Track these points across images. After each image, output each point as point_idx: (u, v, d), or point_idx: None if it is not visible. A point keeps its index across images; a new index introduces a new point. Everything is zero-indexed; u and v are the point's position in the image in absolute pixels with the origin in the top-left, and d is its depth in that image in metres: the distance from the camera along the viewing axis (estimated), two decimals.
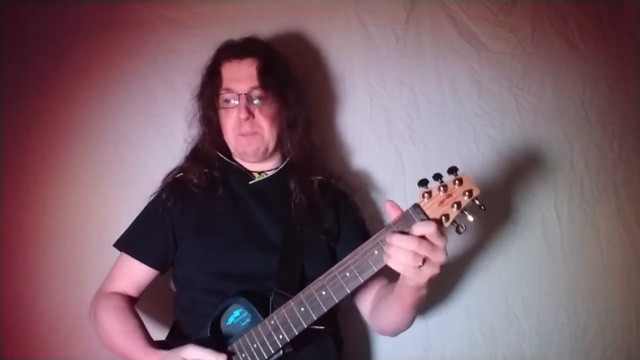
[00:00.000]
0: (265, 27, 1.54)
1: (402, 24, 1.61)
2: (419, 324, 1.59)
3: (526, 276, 1.61)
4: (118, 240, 1.36)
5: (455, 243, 1.58)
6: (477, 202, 0.98)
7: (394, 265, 0.95)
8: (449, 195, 0.97)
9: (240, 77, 1.30)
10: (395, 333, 1.27)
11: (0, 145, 1.53)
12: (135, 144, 1.58)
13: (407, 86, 1.62)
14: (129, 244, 1.35)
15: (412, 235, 0.94)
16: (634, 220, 1.63)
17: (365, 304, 1.31)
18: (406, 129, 1.61)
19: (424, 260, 0.94)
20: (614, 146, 1.64)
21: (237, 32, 1.42)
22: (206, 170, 1.36)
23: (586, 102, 1.64)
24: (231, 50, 1.35)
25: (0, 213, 1.51)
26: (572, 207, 1.62)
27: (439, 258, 0.94)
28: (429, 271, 0.95)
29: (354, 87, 1.61)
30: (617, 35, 1.65)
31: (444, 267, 0.97)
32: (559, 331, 1.60)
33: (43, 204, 1.54)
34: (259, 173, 1.38)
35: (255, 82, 1.29)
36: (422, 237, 0.94)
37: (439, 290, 1.60)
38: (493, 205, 1.56)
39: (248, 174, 1.37)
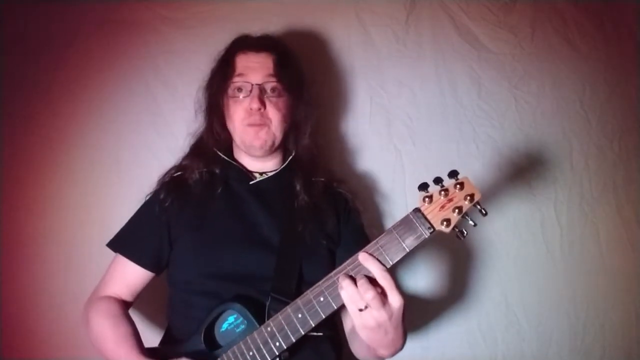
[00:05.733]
0: (264, 27, 1.53)
1: (402, 24, 1.61)
2: (418, 323, 1.60)
3: (526, 276, 1.61)
4: (112, 240, 1.32)
5: (455, 243, 1.58)
6: (478, 206, 0.98)
7: (342, 296, 0.99)
8: (450, 200, 0.97)
9: (256, 67, 1.27)
10: None
11: (1, 145, 1.53)
12: (135, 144, 1.57)
13: (407, 86, 1.62)
14: (124, 244, 1.31)
15: (364, 279, 0.96)
16: (634, 220, 1.63)
17: (347, 321, 1.28)
18: (406, 129, 1.61)
19: (366, 305, 0.95)
20: (614, 146, 1.64)
21: (236, 32, 1.41)
22: (205, 169, 1.33)
23: (586, 102, 1.64)
24: (248, 42, 1.33)
25: (0, 213, 1.51)
26: (572, 207, 1.62)
27: (380, 314, 0.95)
28: (369, 318, 0.96)
29: (354, 88, 1.61)
30: (617, 35, 1.65)
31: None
32: (559, 331, 1.61)
33: (43, 204, 1.54)
34: (260, 173, 1.35)
35: (270, 74, 1.26)
36: (376, 283, 0.96)
37: (439, 289, 1.60)
38: (493, 205, 1.58)
39: (248, 174, 1.35)
